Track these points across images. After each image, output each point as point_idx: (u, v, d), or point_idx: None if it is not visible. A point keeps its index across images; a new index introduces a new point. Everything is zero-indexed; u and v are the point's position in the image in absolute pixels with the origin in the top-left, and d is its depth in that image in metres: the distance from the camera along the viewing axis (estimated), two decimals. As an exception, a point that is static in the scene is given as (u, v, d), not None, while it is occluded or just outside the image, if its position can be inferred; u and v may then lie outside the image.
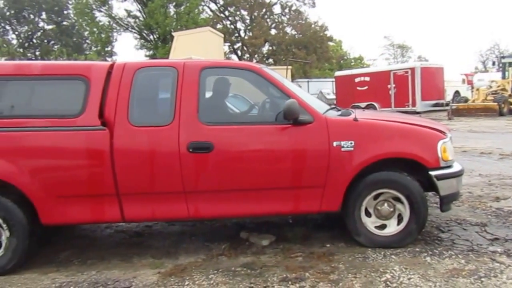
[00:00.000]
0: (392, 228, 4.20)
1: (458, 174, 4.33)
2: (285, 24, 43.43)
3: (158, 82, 4.40)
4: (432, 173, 4.12)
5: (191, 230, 5.10)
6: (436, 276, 3.57)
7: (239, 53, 42.83)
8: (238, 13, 42.76)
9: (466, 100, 23.90)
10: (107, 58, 36.76)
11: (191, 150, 3.93)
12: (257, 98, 4.92)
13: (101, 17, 37.84)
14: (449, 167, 4.27)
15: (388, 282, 3.50)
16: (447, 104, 23.21)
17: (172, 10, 35.47)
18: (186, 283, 3.65)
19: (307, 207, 4.17)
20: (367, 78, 25.13)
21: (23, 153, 3.88)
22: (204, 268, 3.92)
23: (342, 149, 4.01)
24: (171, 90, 4.08)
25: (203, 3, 39.92)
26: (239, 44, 43.25)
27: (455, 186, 4.33)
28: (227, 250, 4.29)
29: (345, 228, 4.31)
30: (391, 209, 4.19)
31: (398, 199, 4.16)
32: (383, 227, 4.22)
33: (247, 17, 42.94)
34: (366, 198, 4.15)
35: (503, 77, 24.49)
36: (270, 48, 42.45)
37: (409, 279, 3.55)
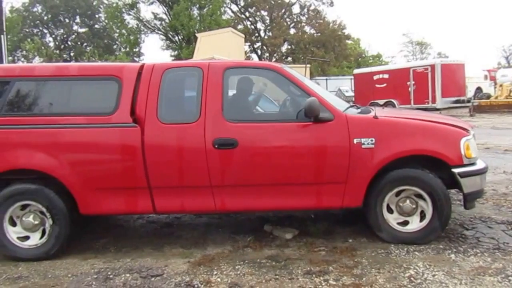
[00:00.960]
0: (415, 224, 4.11)
1: (482, 172, 4.23)
2: (303, 24, 43.20)
3: (184, 82, 4.45)
4: (455, 170, 4.03)
5: (217, 222, 5.12)
6: (461, 274, 3.46)
7: (259, 52, 42.79)
8: (258, 13, 42.73)
9: (489, 97, 23.37)
10: (135, 59, 37.29)
11: (216, 146, 3.96)
12: (278, 96, 4.92)
13: (130, 20, 38.46)
14: (472, 164, 4.18)
15: (412, 278, 3.42)
16: (468, 101, 22.61)
17: (196, 12, 35.63)
18: (215, 272, 3.66)
19: (329, 202, 4.15)
20: (386, 76, 24.71)
21: (63, 148, 4.02)
22: (231, 259, 3.92)
23: (363, 146, 3.98)
24: (197, 89, 4.15)
25: (225, 5, 40.05)
26: (259, 44, 43.23)
27: (479, 183, 4.22)
28: (252, 242, 4.28)
29: (367, 224, 4.22)
30: (414, 206, 4.10)
31: (420, 196, 4.08)
32: (405, 223, 4.15)
33: (267, 18, 42.88)
34: (388, 195, 4.09)
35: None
36: (289, 47, 42.32)
37: (433, 275, 3.45)
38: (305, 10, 42.66)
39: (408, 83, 23.27)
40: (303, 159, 4.06)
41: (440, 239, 4.14)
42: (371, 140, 3.98)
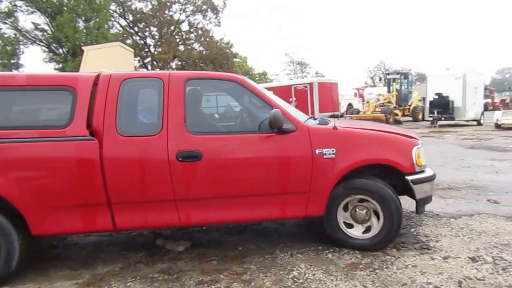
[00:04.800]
0: (370, 231, 4.23)
1: (431, 179, 4.41)
2: (192, 41, 43.38)
3: (144, 93, 4.26)
4: (408, 178, 4.18)
5: (108, 240, 4.92)
6: (337, 271, 3.77)
7: (149, 67, 41.94)
8: (147, 29, 41.99)
9: (358, 112, 25.51)
10: (14, 70, 34.17)
11: (180, 158, 3.83)
12: (240, 107, 4.79)
13: (6, 29, 35.13)
14: (422, 172, 4.35)
15: (295, 279, 3.64)
16: (341, 116, 24.55)
17: (81, 24, 33.87)
18: (104, 292, 3.51)
19: (294, 212, 4.11)
20: (271, 92, 25.76)
21: (12, 164, 3.65)
22: (122, 276, 3.81)
23: (324, 156, 4.01)
24: (158, 101, 3.97)
25: (112, 19, 38.64)
26: (149, 59, 42.40)
27: (429, 189, 4.41)
28: (144, 258, 4.20)
29: (255, 231, 4.39)
30: (365, 213, 4.22)
31: (373, 204, 4.18)
32: (365, 230, 4.25)
33: (157, 33, 42.30)
34: (342, 203, 4.20)
35: (388, 91, 26.59)
36: (179, 63, 42.11)
37: (313, 274, 3.71)
38: (194, 28, 42.93)
39: (291, 99, 24.66)
40: (268, 170, 4.00)
41: (319, 240, 4.45)
42: (332, 150, 4.02)
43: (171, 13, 41.75)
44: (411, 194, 4.29)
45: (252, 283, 3.58)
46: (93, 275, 3.87)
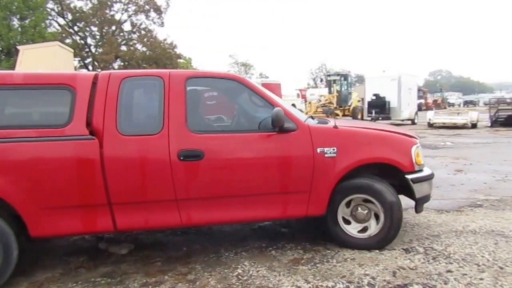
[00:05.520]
0: (365, 231, 4.21)
1: (430, 178, 4.42)
2: (135, 41, 42.46)
3: (144, 91, 4.17)
4: (408, 176, 4.18)
5: (48, 246, 4.73)
6: (280, 267, 3.85)
7: (90, 68, 40.58)
8: (87, 29, 40.58)
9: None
10: None
11: (182, 158, 3.76)
12: (240, 106, 4.68)
13: None
14: (421, 171, 4.35)
15: (239, 276, 3.69)
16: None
17: (16, 22, 32.19)
18: (43, 299, 3.38)
19: (295, 211, 4.08)
20: (215, 93, 25.72)
21: (9, 164, 3.54)
22: (62, 282, 3.68)
23: (326, 155, 3.98)
24: (158, 99, 3.90)
25: (50, 17, 37.01)
26: (90, 59, 41.00)
27: (428, 188, 4.42)
28: (86, 262, 4.08)
29: (200, 232, 4.40)
30: (366, 213, 4.19)
31: (372, 202, 4.16)
32: (363, 230, 4.22)
33: (97, 33, 41.01)
34: (343, 202, 4.18)
35: (329, 92, 27.34)
36: (122, 63, 41.06)
37: (257, 271, 3.77)
38: (137, 28, 42.02)
39: (235, 100, 24.67)
40: (269, 169, 3.96)
41: (262, 237, 4.54)
42: (333, 149, 3.99)
43: (112, 13, 40.65)
44: (409, 193, 4.30)
45: (197, 283, 3.58)
46: (31, 282, 3.71)
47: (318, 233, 4.65)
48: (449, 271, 3.66)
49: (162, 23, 41.95)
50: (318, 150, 3.98)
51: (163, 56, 40.43)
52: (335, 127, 4.13)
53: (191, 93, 4.10)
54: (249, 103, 4.39)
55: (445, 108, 50.05)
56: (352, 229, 4.20)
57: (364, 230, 4.21)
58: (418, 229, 4.77)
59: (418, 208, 4.42)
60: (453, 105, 51.80)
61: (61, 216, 3.67)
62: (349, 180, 4.10)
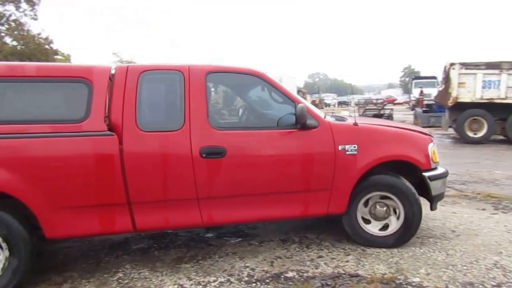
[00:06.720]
0: (387, 229, 4.15)
1: (445, 175, 4.39)
2: (3, 34, 38.53)
3: (164, 86, 3.90)
4: (426, 174, 4.14)
5: None
6: (163, 267, 3.82)
7: None
8: None
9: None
10: None
11: (204, 155, 3.59)
12: (260, 102, 4.50)
13: None
14: (436, 168, 4.32)
15: (120, 280, 3.58)
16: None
17: None
18: None
19: (315, 210, 3.96)
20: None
21: (24, 161, 3.30)
22: None
23: (347, 152, 3.90)
24: (179, 94, 3.71)
25: None
26: None
27: (443, 186, 4.38)
28: None
29: (79, 238, 4.16)
30: (385, 210, 4.13)
31: (390, 199, 4.11)
32: (383, 227, 4.17)
33: (-43, 24, 36.47)
34: (362, 200, 4.10)
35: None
36: (-14, 58, 37.01)
37: (139, 273, 3.70)
38: (5, 19, 38.12)
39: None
40: (291, 166, 3.83)
41: (144, 239, 4.46)
42: (354, 147, 3.91)
43: (-25, 2, 36.41)
44: (424, 191, 4.25)
45: (74, 291, 3.40)
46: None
47: (202, 230, 4.70)
48: (320, 256, 3.95)
49: (36, 15, 38.61)
50: (340, 147, 3.92)
51: (37, 51, 37.25)
52: (355, 124, 4.10)
53: (212, 88, 4.01)
54: (269, 99, 4.27)
55: (322, 108, 53.43)
56: (373, 228, 4.17)
57: (385, 227, 4.18)
58: (294, 221, 5.02)
59: (433, 206, 4.40)
60: (329, 105, 55.41)
61: (77, 216, 3.46)
62: (368, 178, 4.06)
